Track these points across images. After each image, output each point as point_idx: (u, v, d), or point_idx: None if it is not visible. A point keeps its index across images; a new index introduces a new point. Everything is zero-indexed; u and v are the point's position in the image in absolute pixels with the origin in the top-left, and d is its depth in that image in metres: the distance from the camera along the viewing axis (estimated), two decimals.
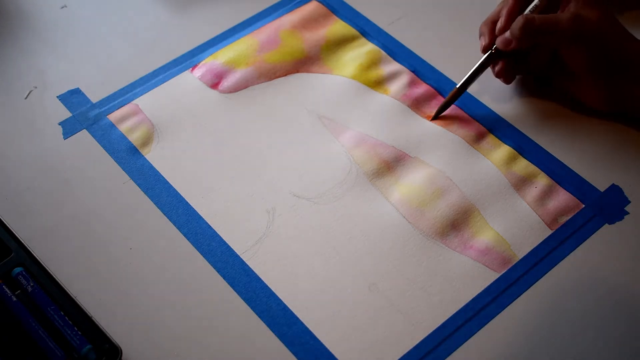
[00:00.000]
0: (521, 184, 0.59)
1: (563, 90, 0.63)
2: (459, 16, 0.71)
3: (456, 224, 0.57)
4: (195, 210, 0.58)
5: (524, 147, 0.61)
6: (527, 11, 0.60)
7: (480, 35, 0.63)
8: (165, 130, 0.63)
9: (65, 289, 0.53)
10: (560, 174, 0.60)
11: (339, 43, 0.69)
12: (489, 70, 0.63)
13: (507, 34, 0.59)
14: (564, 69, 0.60)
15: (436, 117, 0.63)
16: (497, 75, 0.62)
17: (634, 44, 0.58)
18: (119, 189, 0.60)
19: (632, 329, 0.52)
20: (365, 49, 0.68)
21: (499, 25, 0.61)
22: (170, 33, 0.70)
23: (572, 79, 0.61)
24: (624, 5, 0.71)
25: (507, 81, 0.62)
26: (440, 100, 0.64)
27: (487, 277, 0.54)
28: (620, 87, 0.58)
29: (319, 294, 0.54)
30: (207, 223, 0.57)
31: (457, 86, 0.62)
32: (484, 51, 0.62)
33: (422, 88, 0.65)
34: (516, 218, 0.57)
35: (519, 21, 0.58)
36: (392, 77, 0.66)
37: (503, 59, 0.61)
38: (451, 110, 0.63)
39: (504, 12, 0.60)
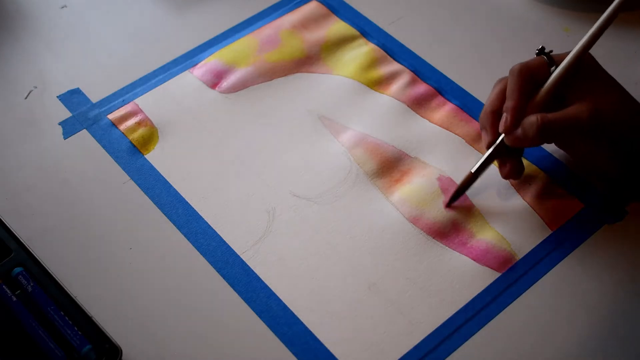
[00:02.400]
0: (521, 183, 0.59)
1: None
2: (459, 16, 0.71)
3: (456, 223, 0.57)
4: (195, 210, 0.58)
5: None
6: (534, 101, 0.55)
7: (482, 127, 0.57)
8: (165, 130, 0.63)
9: (65, 289, 0.53)
10: (560, 174, 0.60)
11: (339, 43, 0.69)
12: (488, 68, 0.63)
13: (519, 132, 0.54)
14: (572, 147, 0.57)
15: (449, 205, 0.58)
16: (507, 177, 0.57)
17: None
18: (119, 189, 0.60)
19: (632, 329, 0.52)
20: (365, 49, 0.68)
21: (505, 122, 0.54)
22: (170, 33, 0.70)
23: (580, 156, 0.58)
24: (624, 6, 0.71)
25: (518, 177, 0.58)
26: (440, 101, 0.64)
27: (487, 277, 0.54)
28: (634, 162, 0.55)
29: (319, 294, 0.54)
30: (207, 223, 0.57)
31: (473, 171, 0.57)
32: (488, 147, 0.56)
33: (422, 88, 0.65)
34: (516, 218, 0.57)
35: (532, 123, 0.53)
36: (392, 77, 0.66)
37: (511, 159, 0.56)
38: (451, 110, 0.63)
39: (509, 109, 0.54)
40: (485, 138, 0.57)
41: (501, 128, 0.55)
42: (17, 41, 0.70)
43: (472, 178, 0.57)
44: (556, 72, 0.55)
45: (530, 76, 0.55)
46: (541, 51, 0.57)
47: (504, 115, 0.55)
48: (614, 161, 0.55)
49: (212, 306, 0.54)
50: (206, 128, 0.63)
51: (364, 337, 0.52)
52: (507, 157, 0.57)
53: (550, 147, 0.61)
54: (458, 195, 0.58)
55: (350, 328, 0.52)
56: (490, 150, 0.56)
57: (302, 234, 0.57)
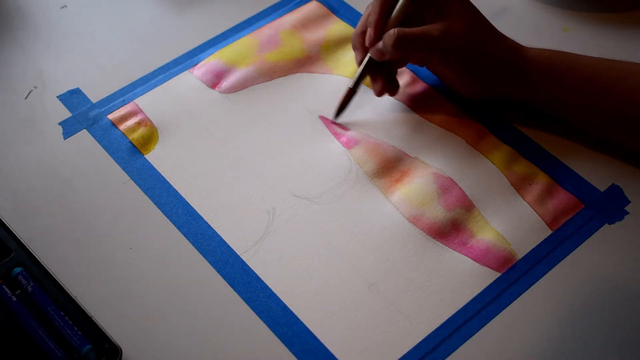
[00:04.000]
0: (521, 183, 0.59)
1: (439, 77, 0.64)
2: None
3: (456, 223, 0.57)
4: (195, 210, 0.58)
5: (524, 147, 0.61)
6: (392, 16, 0.60)
7: (354, 48, 0.63)
8: (165, 130, 0.63)
9: (65, 289, 0.53)
10: (560, 174, 0.60)
11: (339, 43, 0.69)
12: None
13: (379, 45, 0.59)
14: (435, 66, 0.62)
15: (336, 118, 0.63)
16: (380, 93, 0.62)
17: (505, 47, 0.59)
18: (119, 189, 0.60)
19: (632, 329, 0.52)
20: None
21: (367, 37, 0.60)
22: (170, 33, 0.70)
23: (442, 73, 0.62)
24: (624, 6, 0.71)
25: (393, 94, 0.63)
26: (440, 101, 0.64)
27: (487, 277, 0.54)
28: (489, 82, 0.60)
29: (319, 294, 0.54)
30: (207, 223, 0.57)
31: (350, 86, 0.62)
32: (359, 63, 0.62)
33: (422, 88, 0.65)
34: (516, 218, 0.57)
35: (391, 36, 0.58)
36: None
37: (381, 76, 0.62)
38: (451, 110, 0.63)
39: (372, 23, 0.60)
40: (357, 56, 0.63)
41: (367, 42, 0.60)
42: (17, 41, 0.70)
43: (350, 93, 0.62)
44: None
45: None
46: None
47: (368, 30, 0.60)
48: (470, 82, 0.60)
49: (212, 306, 0.54)
50: (206, 128, 0.63)
51: (364, 337, 0.52)
52: (377, 73, 0.62)
53: (550, 147, 0.61)
54: (341, 110, 0.63)
55: (350, 328, 0.52)
56: (362, 66, 0.61)
57: (302, 234, 0.57)
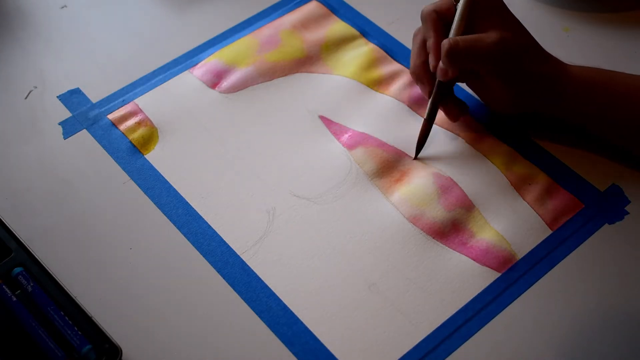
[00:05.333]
0: (521, 183, 0.59)
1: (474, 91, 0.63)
2: None
3: (456, 223, 0.57)
4: (195, 210, 0.58)
5: (524, 147, 0.61)
6: (450, 36, 0.58)
7: (417, 81, 0.61)
8: (165, 130, 0.63)
9: (65, 289, 0.53)
10: (560, 174, 0.60)
11: (339, 43, 0.69)
12: None
13: (441, 64, 0.57)
14: (479, 82, 0.60)
15: (417, 156, 0.61)
16: (456, 119, 0.61)
17: (549, 63, 0.58)
18: (119, 189, 0.60)
19: (632, 329, 0.52)
20: (365, 49, 0.68)
21: (431, 61, 0.58)
22: (170, 33, 0.70)
23: (485, 90, 0.61)
24: (624, 6, 0.71)
25: (464, 114, 0.61)
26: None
27: (487, 277, 0.54)
28: (531, 95, 0.58)
29: (319, 294, 0.54)
30: (207, 223, 0.57)
31: (425, 118, 0.60)
32: (429, 96, 0.60)
33: None
34: (516, 218, 0.57)
35: (443, 46, 0.56)
36: (392, 77, 0.66)
37: (450, 100, 0.60)
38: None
39: (431, 47, 0.58)
40: (424, 88, 0.61)
41: (431, 66, 0.58)
42: (17, 41, 0.70)
43: (427, 125, 0.60)
44: (460, 4, 0.58)
45: (437, 15, 0.58)
46: None
47: (430, 55, 0.59)
48: (510, 91, 0.58)
49: (212, 306, 0.54)
50: (206, 128, 0.63)
51: (364, 337, 0.52)
52: (447, 99, 0.60)
53: (550, 147, 0.61)
54: (421, 146, 0.61)
55: (350, 328, 0.52)
56: (433, 94, 0.60)
57: (302, 234, 0.57)
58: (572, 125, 0.60)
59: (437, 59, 0.58)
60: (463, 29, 0.58)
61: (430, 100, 0.60)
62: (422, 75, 0.60)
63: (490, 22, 0.57)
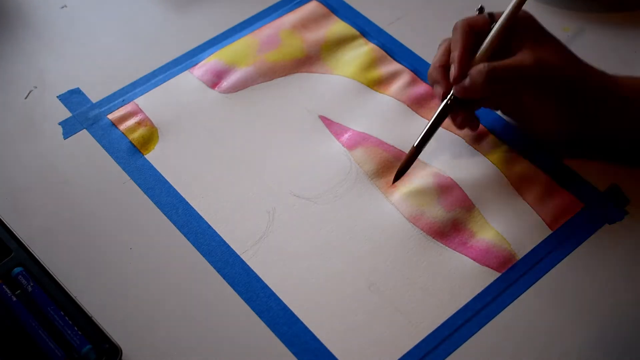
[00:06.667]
0: (521, 183, 0.59)
1: (512, 119, 0.61)
2: (459, 16, 0.71)
3: (456, 223, 0.57)
4: (195, 210, 0.58)
5: (524, 146, 0.61)
6: (480, 54, 0.57)
7: (433, 82, 0.59)
8: (165, 130, 0.63)
9: (65, 289, 0.53)
10: (560, 174, 0.60)
11: (339, 43, 0.69)
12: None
13: (467, 82, 0.56)
14: (516, 107, 0.58)
15: (396, 181, 0.59)
16: (461, 127, 0.59)
17: (593, 77, 0.56)
18: (119, 189, 0.60)
19: (632, 329, 0.52)
20: (365, 49, 0.68)
21: (452, 73, 0.56)
22: (170, 33, 0.70)
23: (525, 114, 0.59)
24: (624, 5, 0.71)
25: (474, 129, 0.59)
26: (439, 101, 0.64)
27: (487, 277, 0.54)
28: (580, 118, 0.56)
29: (319, 294, 0.54)
30: (207, 223, 0.57)
31: (415, 145, 0.58)
32: (443, 99, 0.58)
33: (422, 88, 0.65)
34: (516, 217, 0.57)
35: (480, 71, 0.55)
36: (392, 77, 0.66)
37: (462, 109, 0.58)
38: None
39: (455, 59, 0.56)
40: (439, 90, 0.58)
41: (451, 78, 0.57)
42: (17, 41, 0.70)
43: (415, 153, 0.58)
44: (498, 23, 0.57)
45: (471, 30, 0.57)
46: (481, 10, 0.59)
47: (452, 65, 0.57)
48: (557, 118, 0.56)
49: (212, 306, 0.54)
50: (206, 128, 0.63)
51: (364, 337, 0.52)
52: (459, 109, 0.58)
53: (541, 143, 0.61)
54: (402, 173, 0.59)
55: (350, 328, 0.52)
56: (434, 117, 0.58)
57: (302, 234, 0.57)
58: (610, 148, 0.58)
59: (460, 71, 0.56)
60: (496, 47, 0.56)
61: (429, 123, 0.58)
62: (440, 77, 0.58)
63: (527, 42, 0.55)
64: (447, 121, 0.63)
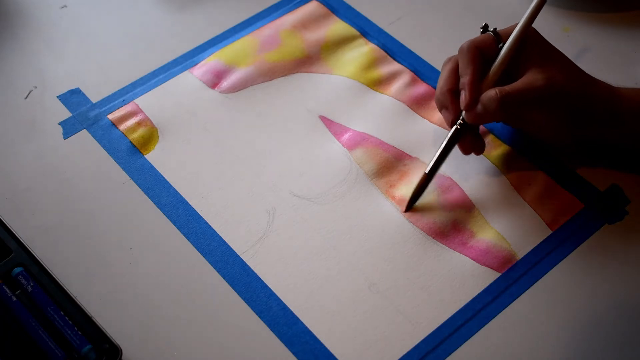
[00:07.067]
0: (521, 183, 0.59)
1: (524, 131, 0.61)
2: (459, 16, 0.71)
3: (456, 223, 0.57)
4: (195, 210, 0.58)
5: (524, 146, 0.61)
6: (489, 77, 0.56)
7: (441, 107, 0.58)
8: (165, 130, 0.63)
9: (65, 289, 0.53)
10: (560, 174, 0.60)
11: (339, 43, 0.69)
12: None
13: (480, 108, 0.55)
14: (523, 120, 0.58)
15: (409, 209, 0.58)
16: (468, 152, 0.58)
17: (600, 91, 0.56)
18: (119, 189, 0.60)
19: (632, 329, 0.52)
20: (365, 49, 0.68)
21: (464, 100, 0.56)
22: (170, 33, 0.70)
23: (531, 125, 0.58)
24: (624, 6, 0.71)
25: (479, 152, 0.58)
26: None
27: (487, 277, 0.54)
28: (585, 131, 0.56)
29: (319, 293, 0.54)
30: (207, 223, 0.57)
31: (426, 172, 0.57)
32: (452, 124, 0.57)
33: (422, 88, 0.65)
34: (516, 217, 0.57)
35: (493, 98, 0.54)
36: (392, 77, 0.66)
37: (469, 133, 0.57)
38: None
39: (466, 86, 0.55)
40: (448, 116, 0.58)
41: (462, 105, 0.56)
42: (17, 41, 0.70)
43: (427, 179, 0.57)
44: (506, 45, 0.56)
45: (479, 52, 0.56)
46: (485, 28, 0.58)
47: (462, 92, 0.56)
48: (567, 129, 0.56)
49: (212, 306, 0.54)
50: (206, 128, 0.63)
51: (364, 337, 0.52)
52: (467, 133, 0.57)
53: (549, 147, 0.61)
54: (415, 200, 0.57)
55: (350, 328, 0.52)
56: (445, 143, 0.57)
57: (302, 234, 0.57)
58: (632, 152, 0.59)
59: (472, 98, 0.55)
60: (505, 69, 0.56)
61: (439, 149, 0.57)
62: (448, 103, 0.57)
63: (535, 61, 0.55)
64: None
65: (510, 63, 0.56)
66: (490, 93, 0.54)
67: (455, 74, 0.57)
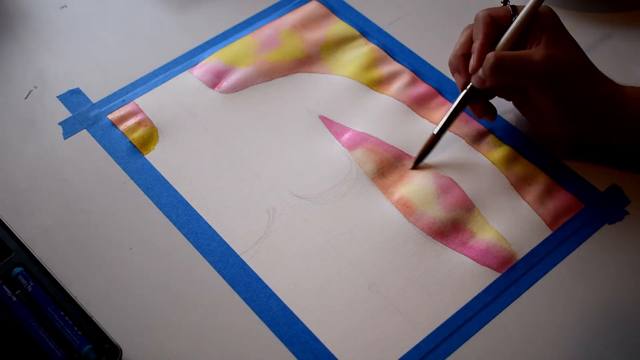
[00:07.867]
0: (521, 183, 0.59)
1: (523, 115, 0.61)
2: (459, 16, 0.71)
3: (456, 223, 0.57)
4: (195, 210, 0.58)
5: (524, 146, 0.61)
6: (498, 46, 0.57)
7: (454, 71, 0.60)
8: (165, 130, 0.63)
9: (65, 289, 0.53)
10: (560, 174, 0.60)
11: (339, 43, 0.69)
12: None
13: (480, 72, 0.57)
14: (527, 101, 0.58)
15: (416, 166, 0.60)
16: (480, 116, 0.60)
17: (602, 85, 0.56)
18: (119, 189, 0.60)
19: (632, 329, 0.52)
20: (365, 49, 0.68)
21: (471, 63, 0.57)
22: (170, 33, 0.70)
23: (534, 110, 0.58)
24: (624, 6, 0.71)
25: (492, 119, 0.60)
26: (440, 101, 0.64)
27: (487, 277, 0.54)
28: (583, 124, 0.56)
29: (319, 294, 0.54)
30: (207, 223, 0.57)
31: (435, 132, 0.59)
32: (463, 88, 0.59)
33: (422, 88, 0.65)
34: (516, 218, 0.57)
35: (489, 59, 0.55)
36: (392, 77, 0.66)
37: (480, 99, 0.59)
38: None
39: (476, 49, 0.57)
40: (459, 80, 0.59)
41: (469, 68, 0.58)
42: (17, 41, 0.70)
43: (435, 139, 0.59)
44: (518, 18, 0.57)
45: (493, 21, 0.58)
46: (505, 2, 0.59)
47: (472, 55, 0.57)
48: (566, 117, 0.56)
49: (212, 306, 0.54)
50: (206, 128, 0.63)
51: (364, 337, 0.52)
52: (478, 99, 0.59)
53: (550, 147, 0.61)
54: (422, 158, 0.60)
55: (350, 328, 0.52)
56: (455, 105, 0.59)
57: (302, 234, 0.57)
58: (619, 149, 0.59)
59: (479, 62, 0.57)
60: (515, 40, 0.57)
61: (449, 111, 0.59)
62: (460, 66, 0.59)
63: (544, 38, 0.56)
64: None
65: (522, 36, 0.57)
66: (488, 55, 0.56)
67: (470, 40, 0.59)
